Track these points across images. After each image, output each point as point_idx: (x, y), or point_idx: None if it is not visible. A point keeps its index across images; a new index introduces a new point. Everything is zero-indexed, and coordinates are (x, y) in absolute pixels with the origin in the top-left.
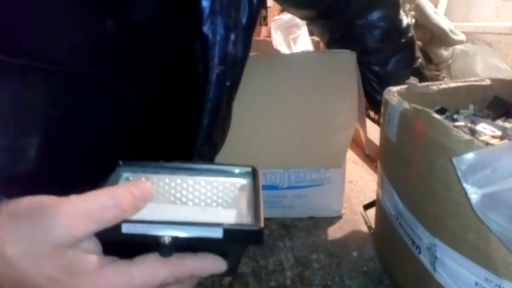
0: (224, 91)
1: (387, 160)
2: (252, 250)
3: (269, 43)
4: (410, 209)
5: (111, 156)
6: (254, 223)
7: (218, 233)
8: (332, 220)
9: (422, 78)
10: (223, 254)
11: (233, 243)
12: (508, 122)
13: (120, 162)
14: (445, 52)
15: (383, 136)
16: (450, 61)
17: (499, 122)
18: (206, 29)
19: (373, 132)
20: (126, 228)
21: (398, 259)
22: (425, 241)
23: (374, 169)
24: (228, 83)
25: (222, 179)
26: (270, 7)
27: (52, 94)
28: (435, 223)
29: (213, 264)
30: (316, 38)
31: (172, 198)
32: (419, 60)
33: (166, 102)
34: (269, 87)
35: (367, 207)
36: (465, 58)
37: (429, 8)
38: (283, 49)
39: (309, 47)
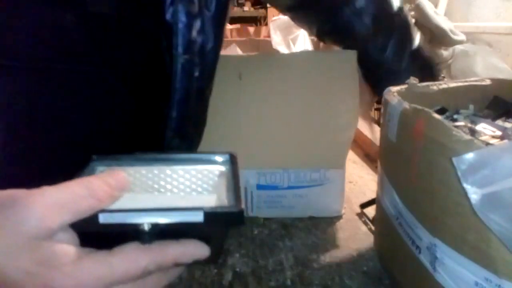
0: (192, 81)
1: (387, 160)
2: (252, 250)
3: (269, 43)
4: (410, 209)
5: (84, 152)
6: (234, 204)
7: (199, 217)
8: (332, 220)
9: (424, 59)
10: (205, 239)
11: (215, 226)
12: (508, 122)
13: (94, 156)
14: (445, 52)
15: (383, 136)
16: (450, 61)
17: (499, 122)
18: (169, 16)
19: (373, 132)
20: (103, 218)
21: (398, 259)
22: (425, 241)
23: (374, 169)
24: (196, 74)
25: (200, 167)
26: (270, 7)
27: (14, 92)
28: (435, 223)
29: (195, 250)
30: (316, 38)
31: (150, 189)
32: (418, 40)
33: (140, 96)
34: (269, 87)
35: (364, 206)
36: (465, 58)
37: (429, 8)
38: (283, 49)
39: (309, 47)
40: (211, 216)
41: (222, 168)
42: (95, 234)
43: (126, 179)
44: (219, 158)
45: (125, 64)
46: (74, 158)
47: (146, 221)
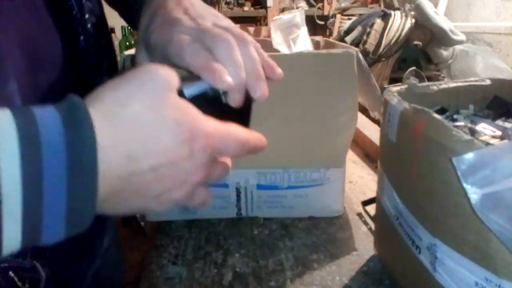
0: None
1: (387, 160)
2: (252, 250)
3: (269, 43)
4: (410, 209)
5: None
6: None
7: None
8: (332, 220)
9: None
10: None
11: None
12: (508, 122)
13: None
14: (445, 52)
15: (383, 136)
16: (450, 61)
17: (499, 122)
18: None
19: (373, 132)
20: (188, 91)
21: (398, 259)
22: (425, 241)
23: (374, 169)
24: None
25: None
26: (270, 7)
27: None
28: (435, 223)
29: None
30: (316, 38)
31: None
32: None
33: None
34: (269, 87)
35: (366, 203)
36: (465, 58)
37: (429, 8)
38: (283, 49)
39: (309, 47)
40: None
41: None
42: None
43: None
44: None
45: None
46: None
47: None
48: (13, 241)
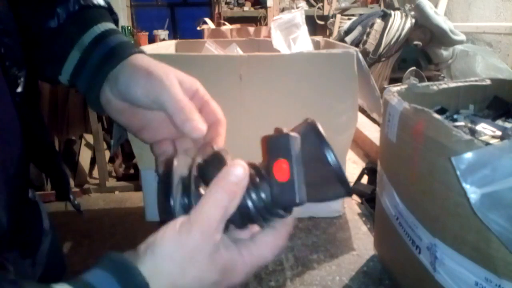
0: None
1: (387, 160)
2: None
3: (269, 43)
4: (410, 209)
5: None
6: None
7: None
8: (332, 220)
9: None
10: None
11: None
12: (508, 122)
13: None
14: (445, 52)
15: (383, 136)
16: (450, 61)
17: (499, 122)
18: None
19: (373, 132)
20: None
21: (398, 259)
22: (425, 241)
23: None
24: None
25: None
26: (270, 7)
27: None
28: (435, 223)
29: None
30: (316, 38)
31: None
32: None
33: None
34: (269, 87)
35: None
36: (465, 58)
37: (429, 8)
38: (283, 49)
39: (309, 47)
40: None
41: None
42: None
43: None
44: None
45: None
46: None
47: None
48: None
